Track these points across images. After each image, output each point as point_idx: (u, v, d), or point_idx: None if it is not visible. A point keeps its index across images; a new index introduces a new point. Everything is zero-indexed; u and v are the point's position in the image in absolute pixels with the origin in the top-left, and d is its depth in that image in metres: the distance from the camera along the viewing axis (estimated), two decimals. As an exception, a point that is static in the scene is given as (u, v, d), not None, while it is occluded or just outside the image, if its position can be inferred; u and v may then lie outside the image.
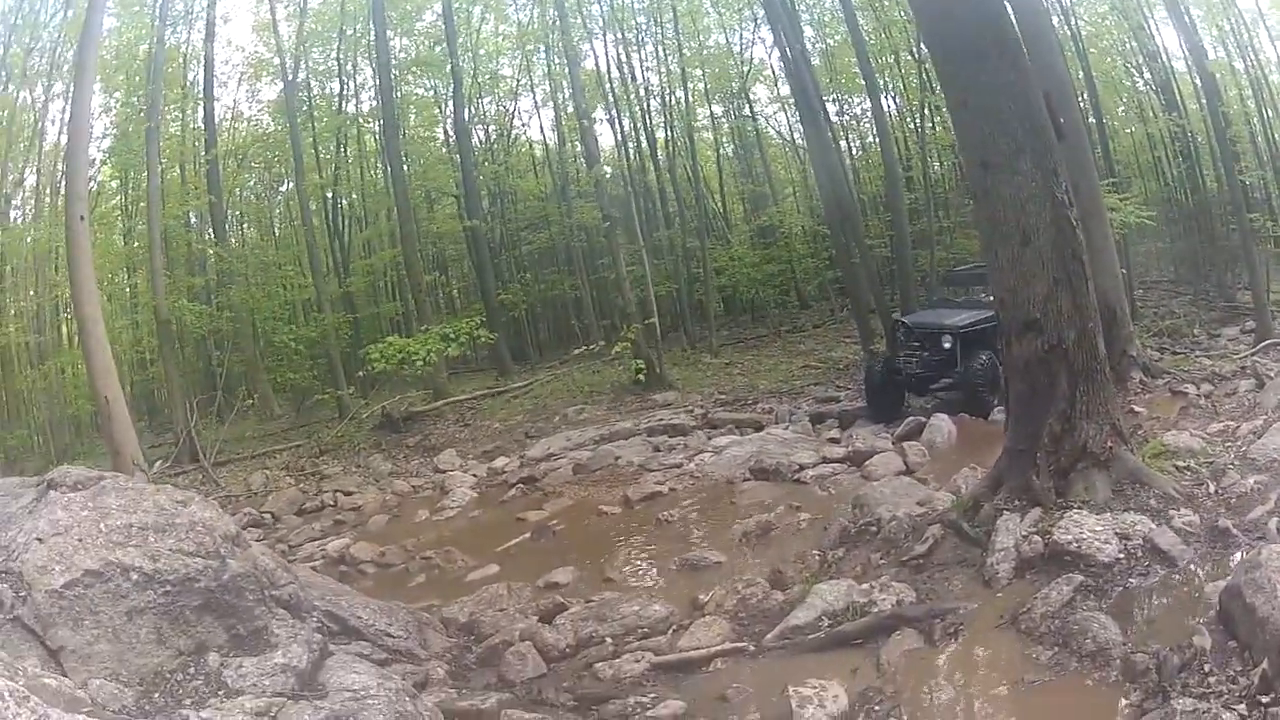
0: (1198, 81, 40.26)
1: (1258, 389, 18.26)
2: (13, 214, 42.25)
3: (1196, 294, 37.40)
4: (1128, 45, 45.11)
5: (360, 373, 33.60)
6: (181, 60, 42.48)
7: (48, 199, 41.40)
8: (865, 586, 9.90)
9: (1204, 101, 37.66)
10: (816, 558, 12.18)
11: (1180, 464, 11.60)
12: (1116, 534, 9.26)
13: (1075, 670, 7.66)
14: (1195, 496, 10.44)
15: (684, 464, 20.53)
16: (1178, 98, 42.49)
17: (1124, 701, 7.06)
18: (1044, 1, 28.03)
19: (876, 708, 7.71)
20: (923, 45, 40.51)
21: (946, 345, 23.03)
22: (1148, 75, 44.92)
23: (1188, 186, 44.23)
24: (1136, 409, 16.91)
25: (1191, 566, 8.89)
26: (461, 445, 27.68)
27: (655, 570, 13.84)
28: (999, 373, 20.32)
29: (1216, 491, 10.57)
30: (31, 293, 41.92)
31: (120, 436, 19.66)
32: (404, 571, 16.05)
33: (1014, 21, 11.65)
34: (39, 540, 8.09)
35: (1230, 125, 34.87)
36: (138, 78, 38.81)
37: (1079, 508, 9.89)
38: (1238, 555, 8.71)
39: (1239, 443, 12.93)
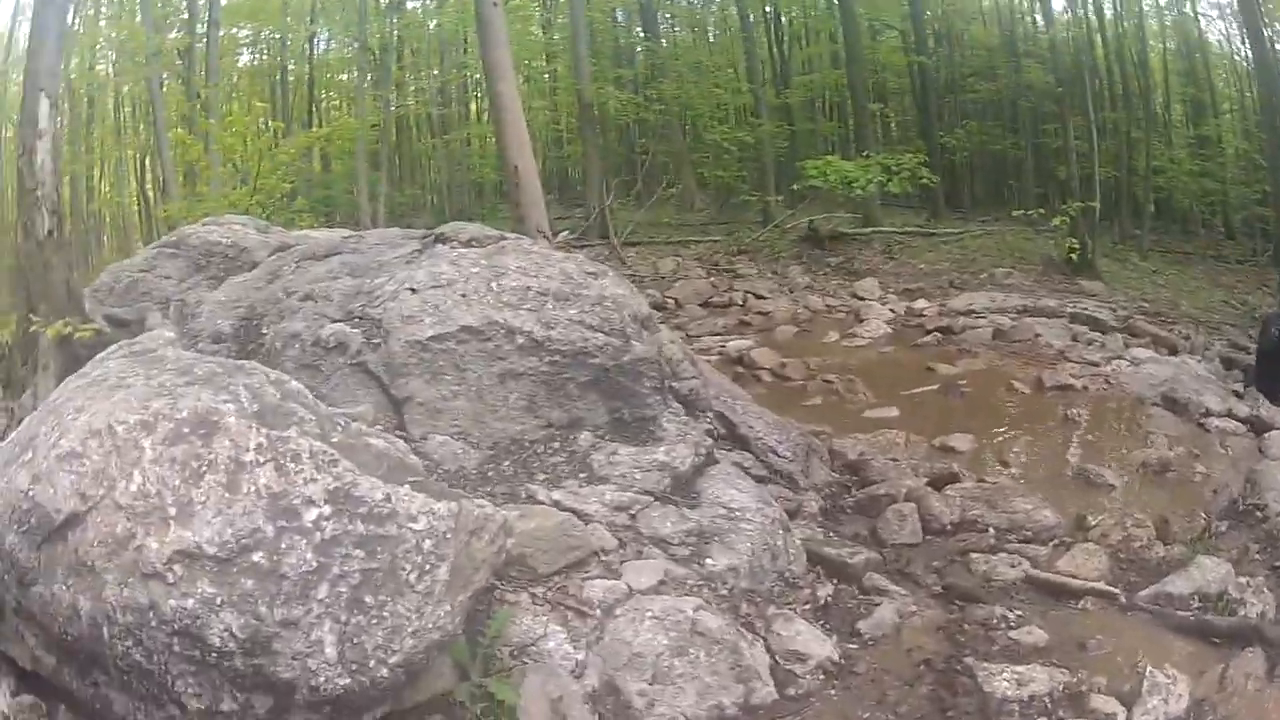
0: None
1: None
2: (410, 4, 44.17)
3: None
4: None
5: (793, 186, 32.09)
6: None
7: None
8: (1243, 580, 8.56)
9: None
10: (1202, 521, 10.77)
11: None
12: None
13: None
14: None
15: (1101, 365, 18.68)
16: None
17: None
18: None
19: (1206, 724, 6.89)
20: None
21: None
22: None
23: None
24: None
25: None
26: (883, 278, 26.93)
27: (1050, 469, 12.61)
28: None
29: None
30: (435, 71, 43.33)
31: (528, 203, 19.52)
32: (801, 389, 15.47)
33: None
34: (411, 290, 7.89)
35: None
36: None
37: None
38: None
39: None
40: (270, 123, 29.46)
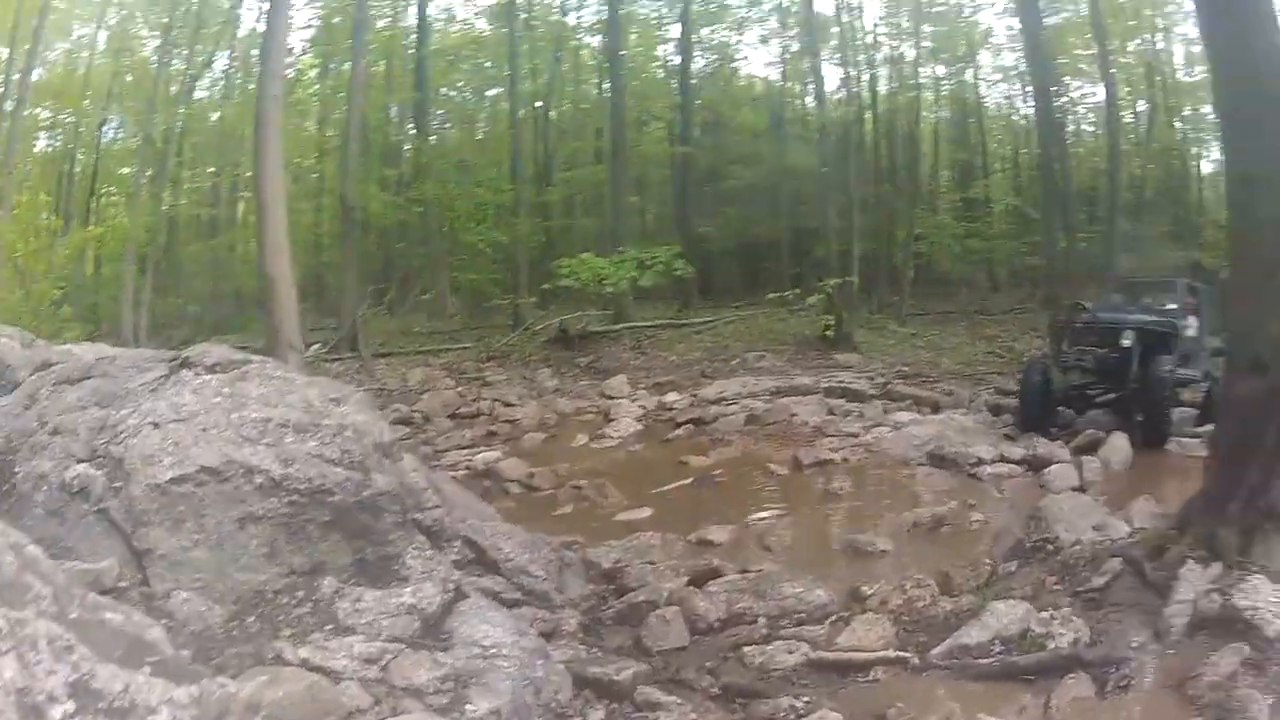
0: None
1: None
2: (199, 94, 45.07)
3: None
4: None
5: (545, 286, 33.18)
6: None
7: (239, 81, 42.97)
8: (1045, 615, 8.78)
9: None
10: (987, 567, 11.14)
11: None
12: (1289, 607, 8.34)
13: (1232, 754, 6.86)
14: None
15: (861, 435, 19.65)
16: None
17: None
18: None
19: (1043, 761, 6.88)
20: (1153, 37, 40.08)
21: (1125, 343, 19.93)
22: None
23: None
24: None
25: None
26: (633, 373, 27.35)
27: (817, 547, 13.11)
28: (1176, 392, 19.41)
29: None
30: (211, 169, 43.17)
31: (281, 315, 19.46)
32: (551, 498, 15.48)
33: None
34: (154, 425, 7.61)
35: None
36: (351, -31, 38.99)
37: (1258, 572, 8.71)
38: None
39: None
40: (51, 218, 29.03)
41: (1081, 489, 15.45)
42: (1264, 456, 9.24)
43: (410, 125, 43.22)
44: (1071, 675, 7.79)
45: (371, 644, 6.70)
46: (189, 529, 7.08)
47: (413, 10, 43.24)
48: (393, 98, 42.16)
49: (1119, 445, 17.90)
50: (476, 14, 48.66)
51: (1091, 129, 51.27)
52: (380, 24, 43.60)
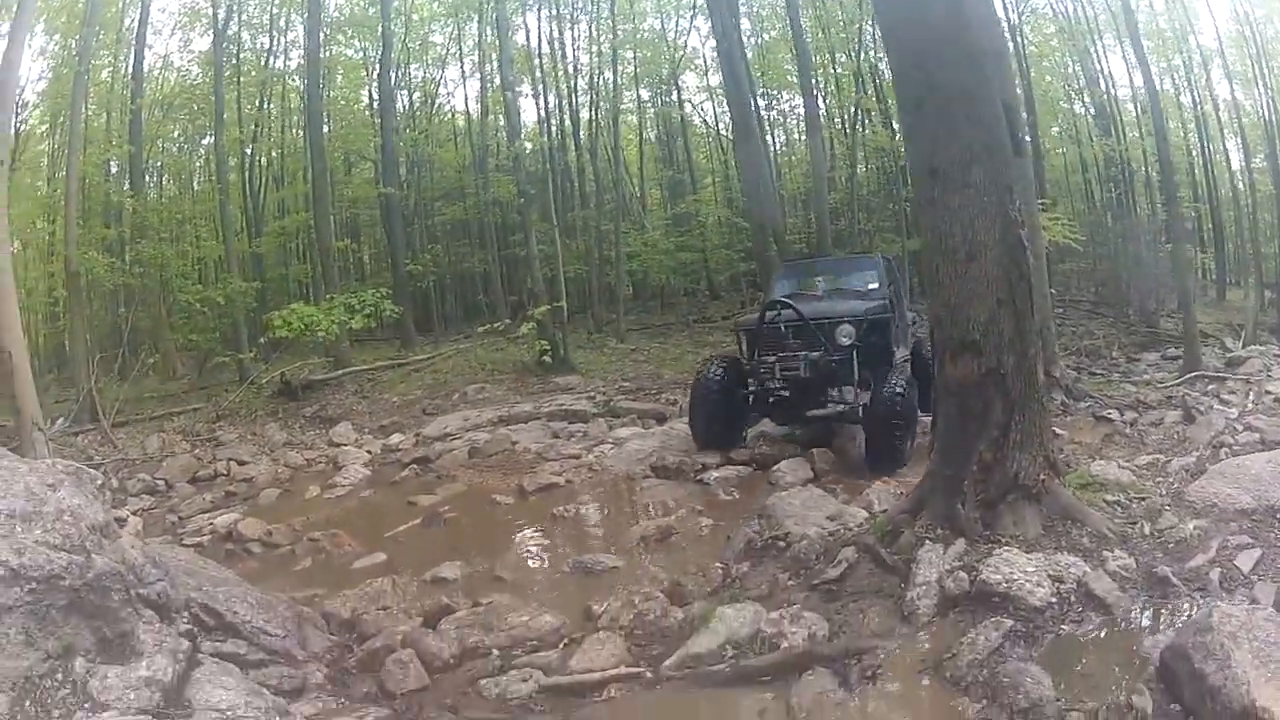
0: (1134, 110, 41.33)
1: (1186, 422, 18.11)
2: None
3: (1117, 317, 37.81)
4: (1070, 69, 45.59)
5: (262, 339, 32.89)
6: (121, 5, 41.46)
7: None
8: (775, 615, 8.89)
9: (1144, 129, 38.70)
10: (719, 571, 11.30)
11: (1110, 498, 10.83)
12: (1050, 576, 8.43)
13: (1006, 728, 6.90)
14: (1129, 537, 9.65)
15: (583, 455, 19.92)
16: (1115, 124, 43.20)
17: (1061, 764, 6.40)
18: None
19: (787, 760, 6.96)
20: (861, 46, 40.99)
21: (844, 341, 17.95)
22: (1087, 99, 45.58)
23: (1112, 211, 44.96)
24: (1058, 431, 15.91)
25: (1128, 616, 8.10)
26: (358, 418, 27.32)
27: (548, 571, 13.15)
28: (914, 402, 17.37)
29: (1152, 533, 9.80)
30: None
31: (21, 393, 18.75)
32: (290, 554, 15.19)
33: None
34: None
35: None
36: (77, 20, 37.48)
37: (1008, 543, 9.07)
38: (1183, 607, 8.04)
39: (1170, 479, 12.44)
40: None
41: (816, 479, 15.88)
42: (993, 433, 9.50)
43: (127, 182, 41.65)
44: (809, 672, 7.87)
45: (122, 717, 6.63)
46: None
47: (132, 59, 41.36)
48: (110, 152, 40.44)
49: (850, 432, 18.19)
50: (190, 61, 46.77)
51: (800, 138, 52.18)
52: (103, 75, 42.09)
